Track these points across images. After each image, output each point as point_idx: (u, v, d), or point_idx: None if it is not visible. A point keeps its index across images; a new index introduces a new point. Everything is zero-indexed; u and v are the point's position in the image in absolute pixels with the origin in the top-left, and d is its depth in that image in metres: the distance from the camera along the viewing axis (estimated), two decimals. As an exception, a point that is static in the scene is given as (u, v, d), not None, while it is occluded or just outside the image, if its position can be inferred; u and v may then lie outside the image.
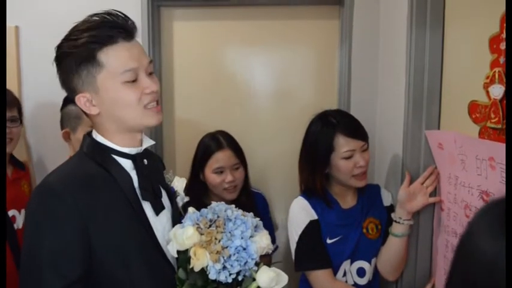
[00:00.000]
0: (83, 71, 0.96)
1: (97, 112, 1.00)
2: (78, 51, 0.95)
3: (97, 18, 0.97)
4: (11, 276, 1.25)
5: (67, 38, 0.98)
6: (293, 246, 1.45)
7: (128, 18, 1.01)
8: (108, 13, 0.98)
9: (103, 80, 0.96)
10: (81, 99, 0.99)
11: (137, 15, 1.92)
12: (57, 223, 0.91)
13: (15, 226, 1.60)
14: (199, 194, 1.67)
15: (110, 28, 0.96)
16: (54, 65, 1.01)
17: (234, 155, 1.68)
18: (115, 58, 0.95)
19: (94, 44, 0.94)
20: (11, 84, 1.83)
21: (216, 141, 1.68)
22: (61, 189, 0.92)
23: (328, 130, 1.41)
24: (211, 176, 1.66)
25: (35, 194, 0.96)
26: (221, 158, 1.65)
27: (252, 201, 1.77)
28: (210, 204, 1.63)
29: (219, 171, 1.65)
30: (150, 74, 1.02)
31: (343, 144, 1.39)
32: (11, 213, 1.59)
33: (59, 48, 0.99)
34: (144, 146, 1.08)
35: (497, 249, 0.53)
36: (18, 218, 1.61)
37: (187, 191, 1.64)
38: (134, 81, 0.97)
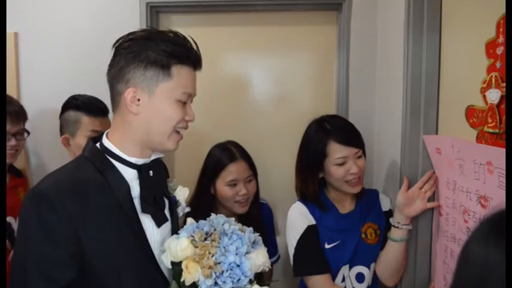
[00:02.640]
0: (151, 71, 0.99)
1: (136, 112, 1.00)
2: (154, 54, 0.99)
3: (176, 36, 1.03)
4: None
5: (142, 36, 1.01)
6: (291, 252, 1.44)
7: (199, 50, 1.07)
8: (185, 36, 1.05)
9: (163, 89, 1.00)
10: (131, 93, 0.99)
11: (136, 21, 1.93)
12: (47, 229, 0.90)
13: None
14: (208, 207, 1.59)
15: (188, 50, 1.03)
16: (113, 50, 1.03)
17: (248, 167, 1.63)
18: (183, 77, 1.02)
19: (175, 58, 1.00)
20: (9, 90, 1.84)
21: (229, 152, 1.62)
22: (52, 196, 0.91)
23: (322, 136, 1.41)
24: (223, 189, 1.60)
25: (26, 199, 0.96)
26: (235, 170, 1.60)
27: (260, 213, 1.73)
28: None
29: (233, 183, 1.60)
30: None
31: (336, 151, 1.39)
32: (7, 220, 1.58)
33: (128, 40, 1.01)
34: (153, 157, 1.08)
35: (486, 252, 0.55)
36: (14, 225, 1.61)
37: (195, 204, 1.62)
38: (183, 103, 1.04)
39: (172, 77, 1.00)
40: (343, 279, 1.45)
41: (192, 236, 1.00)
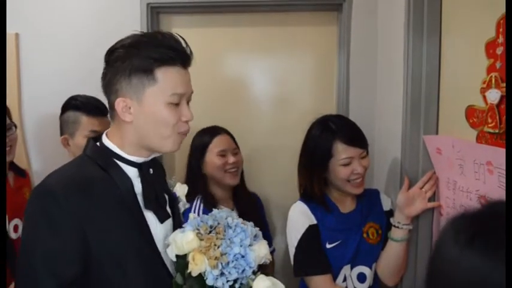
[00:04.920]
0: (135, 78, 0.98)
1: (130, 120, 1.00)
2: (138, 60, 0.97)
3: (162, 37, 1.01)
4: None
5: (127, 44, 1.00)
6: (292, 251, 1.44)
7: (188, 46, 1.04)
8: (172, 36, 1.02)
9: (151, 94, 0.99)
10: (120, 103, 1.00)
11: (136, 22, 1.93)
12: (54, 225, 0.92)
13: (19, 235, 1.57)
14: (202, 186, 1.68)
15: (173, 50, 1.00)
16: (103, 62, 1.03)
17: (232, 140, 1.75)
18: (169, 79, 0.99)
19: (156, 61, 0.98)
20: (10, 91, 1.84)
21: (212, 129, 1.75)
22: (59, 192, 0.92)
23: (327, 136, 1.41)
24: (213, 160, 1.67)
25: (33, 195, 0.97)
26: (222, 141, 1.71)
27: (251, 199, 1.81)
28: (211, 194, 1.66)
29: (222, 154, 1.68)
30: (187, 102, 1.06)
31: (342, 151, 1.39)
32: (14, 222, 1.57)
33: (115, 50, 1.01)
34: (152, 156, 1.09)
35: (457, 253, 0.59)
36: (21, 227, 1.60)
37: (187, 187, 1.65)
38: (176, 105, 1.01)
39: (157, 80, 0.98)
40: (345, 279, 1.45)
41: (198, 229, 1.03)
